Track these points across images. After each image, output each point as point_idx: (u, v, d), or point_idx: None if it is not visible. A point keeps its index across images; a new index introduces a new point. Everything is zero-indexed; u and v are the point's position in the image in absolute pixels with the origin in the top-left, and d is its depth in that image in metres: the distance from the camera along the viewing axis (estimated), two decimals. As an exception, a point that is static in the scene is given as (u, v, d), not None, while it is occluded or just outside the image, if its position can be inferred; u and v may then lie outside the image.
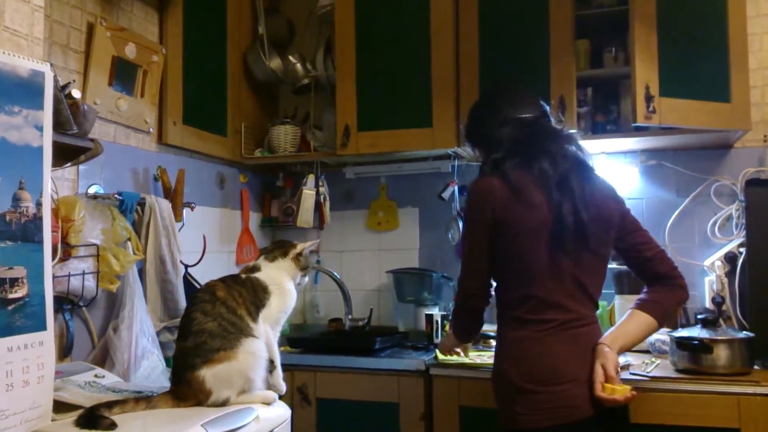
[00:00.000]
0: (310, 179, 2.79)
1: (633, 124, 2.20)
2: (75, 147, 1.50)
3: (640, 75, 2.14)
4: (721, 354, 1.84)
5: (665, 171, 2.53)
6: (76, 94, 1.49)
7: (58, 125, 1.33)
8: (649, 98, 2.12)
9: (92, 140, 1.57)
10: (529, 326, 1.54)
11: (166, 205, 2.13)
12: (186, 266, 2.22)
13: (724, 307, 2.26)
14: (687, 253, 2.47)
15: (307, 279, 1.76)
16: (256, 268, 1.63)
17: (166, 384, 1.70)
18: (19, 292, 1.16)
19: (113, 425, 1.26)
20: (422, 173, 2.81)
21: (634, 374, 1.90)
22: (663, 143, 2.43)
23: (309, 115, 2.90)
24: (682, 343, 1.90)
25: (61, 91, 1.43)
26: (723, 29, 2.21)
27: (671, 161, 2.51)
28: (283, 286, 1.63)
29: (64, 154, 1.52)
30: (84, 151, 1.56)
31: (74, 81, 1.53)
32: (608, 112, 2.46)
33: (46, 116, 1.24)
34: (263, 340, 1.53)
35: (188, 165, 2.38)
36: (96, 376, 1.69)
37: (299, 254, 1.71)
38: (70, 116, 1.42)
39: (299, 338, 2.48)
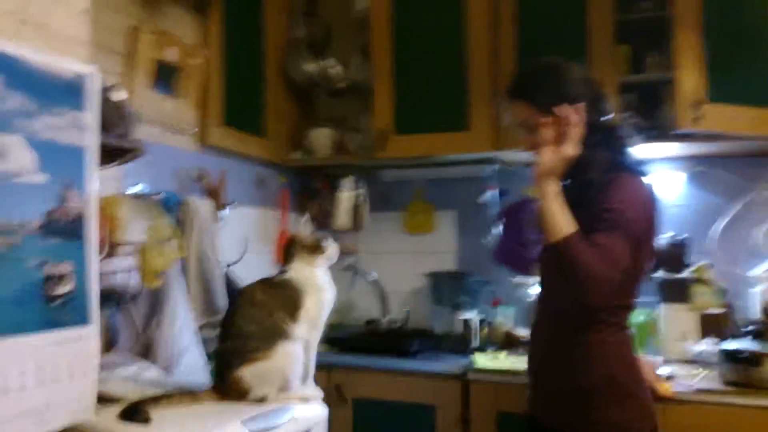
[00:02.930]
0: (348, 181, 2.80)
1: (677, 131, 2.13)
2: (119, 148, 1.52)
3: (685, 81, 2.09)
4: (772, 366, 1.77)
5: (713, 178, 2.45)
6: (121, 96, 1.53)
7: (103, 126, 1.36)
8: (693, 104, 2.06)
9: (135, 141, 1.60)
10: (624, 332, 1.48)
11: (207, 204, 2.16)
12: (226, 265, 2.25)
13: (773, 318, 2.17)
14: (734, 262, 2.39)
15: (332, 253, 1.66)
16: (285, 270, 1.64)
17: (206, 379, 1.72)
18: (67, 288, 1.18)
19: (147, 420, 1.29)
20: (460, 177, 2.79)
21: (680, 384, 1.84)
22: (710, 150, 2.35)
23: (346, 118, 2.91)
24: (730, 355, 1.84)
25: (106, 92, 1.46)
26: (768, 32, 2.14)
27: (719, 168, 2.43)
28: (314, 282, 1.60)
29: (109, 155, 1.55)
30: (128, 152, 1.59)
31: (119, 83, 1.56)
32: (652, 118, 2.40)
33: (92, 118, 1.26)
34: (301, 343, 1.53)
35: (228, 165, 2.41)
36: (139, 369, 1.72)
37: (299, 241, 1.67)
38: (114, 117, 1.44)
39: (337, 338, 2.48)
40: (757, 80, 2.14)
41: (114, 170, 1.91)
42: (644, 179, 1.47)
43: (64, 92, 1.21)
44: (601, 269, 1.32)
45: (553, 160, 1.42)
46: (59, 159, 1.20)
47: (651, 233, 1.45)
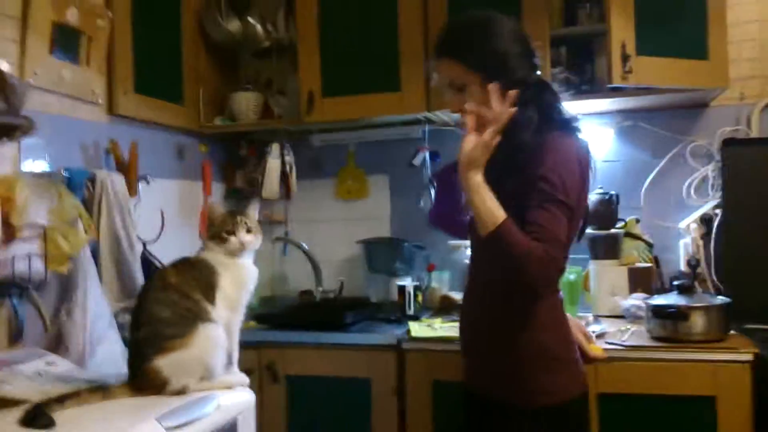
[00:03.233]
0: (275, 148, 2.68)
1: (608, 85, 2.12)
2: (4, 125, 1.36)
3: (616, 33, 2.07)
4: (698, 321, 1.80)
5: (641, 132, 2.46)
6: (3, 66, 1.36)
7: (-20, 100, 1.21)
8: (625, 57, 2.04)
9: (24, 117, 1.44)
10: (555, 296, 1.45)
11: (119, 179, 2.01)
12: (144, 243, 2.11)
13: (699, 270, 2.23)
14: (662, 216, 2.43)
15: (233, 246, 1.47)
16: (202, 248, 1.52)
17: (125, 369, 1.61)
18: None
19: (50, 424, 1.18)
20: (391, 139, 2.72)
21: (609, 343, 1.86)
22: (639, 104, 2.36)
23: (271, 80, 2.77)
24: (658, 311, 1.86)
25: (-17, 62, 1.30)
26: (701, -17, 2.13)
27: (647, 122, 2.45)
28: (228, 262, 1.47)
29: (-6, 131, 1.39)
30: (17, 128, 1.43)
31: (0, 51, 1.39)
32: (582, 73, 2.37)
33: (-36, 90, 1.11)
34: (222, 325, 1.44)
35: (143, 136, 2.25)
36: (48, 363, 1.59)
37: (210, 222, 1.51)
38: (-6, 90, 1.29)
39: (266, 314, 2.40)
40: (686, 32, 2.13)
41: (8, 148, 1.74)
42: (577, 137, 1.42)
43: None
44: (542, 252, 1.27)
45: (476, 149, 1.33)
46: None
47: (585, 195, 1.42)
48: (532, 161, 1.34)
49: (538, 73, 1.47)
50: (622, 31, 2.07)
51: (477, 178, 1.33)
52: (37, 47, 1.85)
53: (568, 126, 1.43)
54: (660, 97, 2.24)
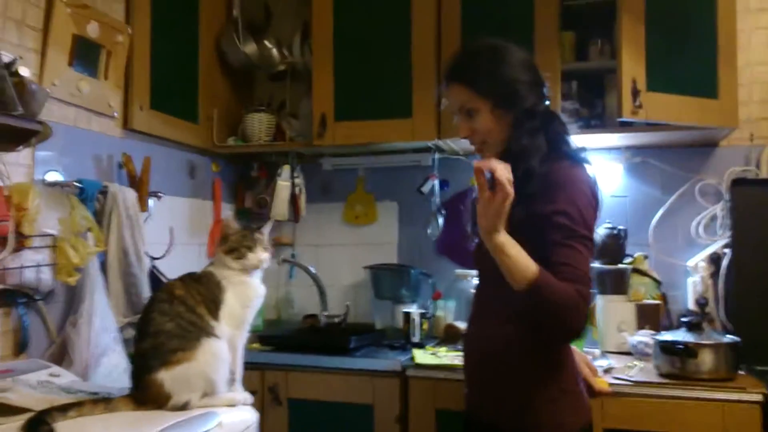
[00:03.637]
0: (286, 170, 2.69)
1: (618, 119, 2.13)
2: (22, 129, 1.37)
3: (627, 69, 2.08)
4: (706, 359, 1.78)
5: (650, 168, 2.47)
6: (24, 71, 1.38)
7: (2, 105, 1.22)
8: (635, 93, 2.06)
9: (41, 122, 1.45)
10: None
11: (130, 194, 2.02)
12: (152, 259, 2.11)
13: (707, 309, 2.20)
14: (670, 253, 2.42)
15: (252, 263, 1.49)
16: (211, 263, 1.52)
17: (128, 383, 1.59)
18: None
19: (51, 432, 1.17)
20: (401, 166, 2.73)
21: (616, 378, 1.83)
22: (648, 140, 2.37)
23: (285, 103, 2.80)
24: (666, 347, 1.84)
25: (6, 68, 1.31)
26: (712, 24, 2.16)
27: (656, 159, 2.46)
28: (235, 278, 1.48)
29: (12, 137, 1.40)
30: (33, 134, 1.44)
31: (21, 57, 1.40)
32: (593, 107, 2.39)
33: (-12, 95, 1.13)
34: (226, 341, 1.43)
35: (156, 152, 2.27)
36: (51, 374, 1.59)
37: (224, 236, 1.52)
38: (14, 96, 1.30)
39: (271, 336, 2.38)
40: (697, 71, 2.15)
41: (24, 156, 1.76)
42: (586, 168, 1.42)
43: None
44: (578, 296, 1.26)
45: (492, 215, 1.26)
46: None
47: (596, 225, 1.42)
48: (541, 190, 1.33)
49: (547, 103, 1.48)
50: (632, 66, 2.09)
51: (500, 239, 1.28)
52: (57, 59, 1.88)
53: (576, 157, 1.43)
54: (669, 134, 2.25)
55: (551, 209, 1.31)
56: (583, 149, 1.46)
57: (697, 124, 2.15)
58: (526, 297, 1.28)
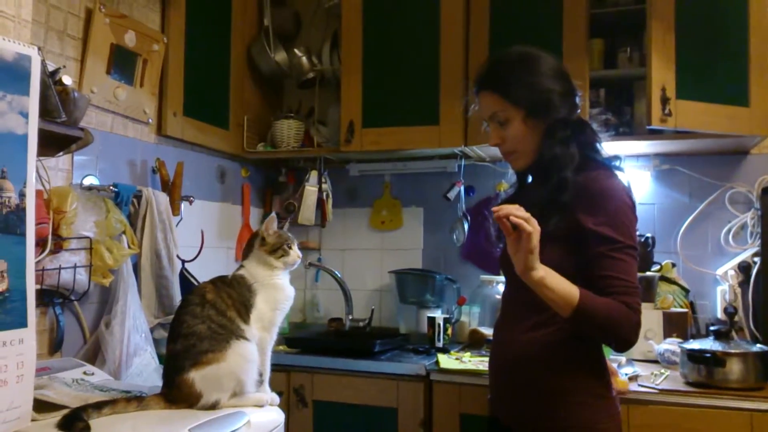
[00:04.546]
0: (313, 175, 2.73)
1: (647, 127, 2.12)
2: (64, 136, 1.43)
3: (656, 76, 2.07)
4: (734, 368, 1.76)
5: (679, 176, 2.45)
6: (67, 80, 1.43)
7: (46, 112, 1.27)
8: (664, 100, 2.05)
9: (82, 129, 1.51)
10: None
11: (163, 198, 2.07)
12: (183, 261, 2.16)
13: (736, 318, 2.18)
14: (699, 262, 2.39)
15: (293, 259, 1.55)
16: (240, 267, 1.56)
17: (158, 382, 1.63)
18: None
19: (86, 429, 1.21)
20: (428, 172, 2.75)
21: (642, 386, 1.82)
22: (677, 147, 2.35)
23: (313, 110, 2.84)
24: (693, 356, 1.83)
25: (51, 77, 1.37)
26: (744, 31, 2.14)
27: (685, 166, 2.43)
28: (267, 281, 1.52)
29: (54, 143, 1.46)
30: (74, 141, 1.49)
31: (64, 67, 1.46)
32: (621, 114, 2.38)
33: (32, 102, 1.17)
34: (255, 343, 1.46)
35: (188, 158, 2.32)
36: (85, 373, 1.64)
37: (261, 238, 1.56)
38: (58, 103, 1.35)
39: (297, 338, 2.41)
40: (728, 79, 2.13)
41: (63, 160, 1.83)
42: (619, 177, 1.41)
43: (3, 74, 1.12)
44: (626, 309, 1.28)
45: (524, 258, 1.25)
46: (-5, 147, 1.11)
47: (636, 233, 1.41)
48: (579, 201, 1.33)
49: (579, 111, 1.48)
50: (662, 74, 2.08)
51: (538, 275, 1.27)
52: (95, 67, 1.94)
53: (610, 165, 1.43)
54: (699, 141, 2.23)
55: (594, 221, 1.31)
56: (617, 157, 1.46)
57: (727, 132, 2.13)
58: (573, 323, 1.30)
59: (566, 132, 1.39)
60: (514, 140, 1.43)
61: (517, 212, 1.23)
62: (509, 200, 1.54)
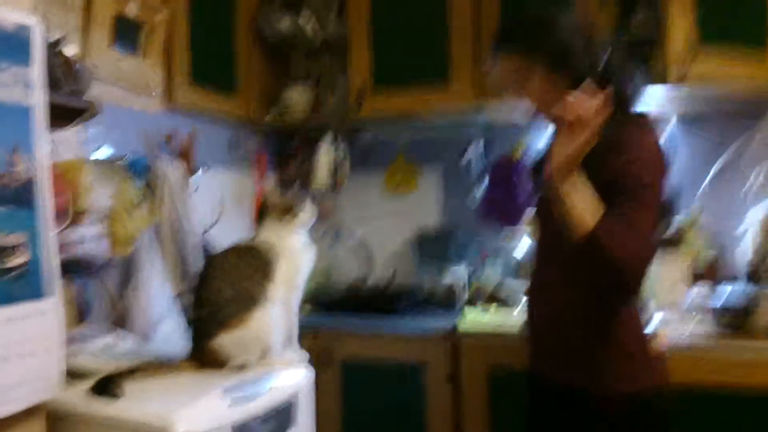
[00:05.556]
0: (326, 141, 2.70)
1: (663, 84, 2.04)
2: (71, 108, 1.41)
3: (675, 29, 1.99)
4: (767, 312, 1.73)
5: (707, 120, 2.35)
6: (69, 50, 1.40)
7: (50, 84, 1.24)
8: (681, 57, 1.96)
9: (88, 100, 1.49)
10: None
11: (177, 168, 2.06)
12: (201, 230, 2.16)
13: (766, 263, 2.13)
14: (728, 208, 2.31)
15: (306, 218, 1.55)
16: (258, 232, 1.55)
17: (185, 348, 1.65)
18: (19, 260, 1.09)
19: (119, 393, 1.23)
20: (442, 133, 2.69)
21: (672, 334, 1.80)
22: (700, 95, 2.26)
23: (322, 77, 2.79)
24: (725, 300, 1.79)
25: (53, 47, 1.34)
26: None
27: (714, 109, 2.32)
28: (286, 243, 1.51)
29: (61, 116, 1.43)
30: (81, 113, 1.47)
31: (66, 37, 1.43)
32: (637, 76, 2.28)
33: (37, 73, 1.15)
34: (280, 305, 1.46)
35: (199, 126, 2.29)
36: (113, 340, 1.65)
37: (269, 204, 1.57)
38: (62, 74, 1.33)
39: (322, 299, 2.41)
40: (747, 25, 2.03)
41: (75, 134, 1.80)
42: (653, 128, 1.36)
43: (4, 45, 1.10)
44: (635, 256, 1.23)
45: (572, 154, 1.23)
46: (2, 119, 1.09)
47: (666, 186, 1.34)
48: (607, 155, 1.28)
49: (604, 63, 1.39)
50: (681, 30, 1.99)
51: (569, 183, 1.26)
52: (98, 39, 1.90)
53: (641, 119, 1.37)
54: (722, 92, 2.13)
55: (619, 171, 1.26)
56: (647, 111, 1.40)
57: (748, 82, 2.03)
58: (583, 248, 1.25)
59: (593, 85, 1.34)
60: (538, 96, 1.39)
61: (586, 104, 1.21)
62: (543, 157, 1.50)
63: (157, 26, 2.12)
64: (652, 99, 2.22)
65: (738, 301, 1.76)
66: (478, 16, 2.30)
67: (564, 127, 1.24)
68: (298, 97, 2.67)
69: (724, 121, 2.34)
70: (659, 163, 1.31)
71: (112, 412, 1.20)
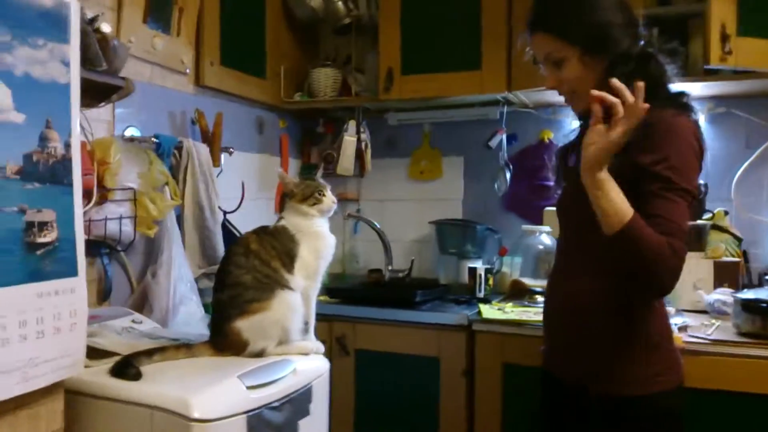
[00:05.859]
0: (351, 125, 2.69)
1: (705, 67, 2.01)
2: (106, 85, 1.42)
3: (716, 12, 1.94)
4: (792, 319, 1.70)
5: (734, 119, 2.33)
6: (106, 28, 1.41)
7: (87, 61, 1.25)
8: (724, 38, 1.93)
9: (123, 78, 1.49)
10: None
11: (204, 149, 2.07)
12: (225, 212, 2.17)
13: (792, 269, 2.10)
14: (753, 210, 2.30)
15: (327, 205, 1.53)
16: (281, 218, 1.54)
17: (205, 331, 1.67)
18: (49, 237, 1.10)
19: (138, 375, 1.25)
20: (468, 120, 2.68)
21: (693, 336, 1.78)
22: (734, 89, 2.22)
23: (350, 57, 2.77)
24: (747, 305, 1.76)
25: (89, 24, 1.34)
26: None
27: (742, 109, 2.31)
28: (308, 230, 1.50)
29: (95, 93, 1.44)
30: (115, 90, 1.48)
31: (103, 14, 1.44)
32: (675, 55, 2.25)
33: (73, 50, 1.15)
34: (299, 293, 1.46)
35: (226, 108, 2.30)
36: (134, 321, 1.67)
37: (289, 190, 1.54)
38: (99, 52, 1.33)
39: (339, 288, 2.42)
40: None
41: (104, 112, 1.82)
42: (690, 115, 1.31)
43: (42, 22, 1.10)
44: (670, 250, 1.19)
45: (604, 149, 1.20)
46: (37, 96, 1.09)
47: (698, 178, 1.32)
48: (643, 140, 1.24)
49: (642, 44, 1.37)
50: (722, 9, 1.95)
51: (602, 176, 1.23)
52: (132, 16, 1.91)
53: (679, 103, 1.32)
54: (758, 82, 2.11)
55: (651, 159, 1.23)
56: (684, 93, 1.35)
57: None
58: (616, 242, 1.22)
59: (628, 67, 1.30)
60: (572, 81, 1.35)
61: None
62: (571, 146, 1.49)
63: (190, 4, 2.12)
64: (691, 81, 2.18)
65: (761, 307, 1.72)
66: (510, 4, 2.28)
67: (599, 118, 1.21)
68: (325, 79, 2.66)
69: (758, 115, 2.29)
70: (695, 152, 1.27)
71: (130, 393, 1.22)
